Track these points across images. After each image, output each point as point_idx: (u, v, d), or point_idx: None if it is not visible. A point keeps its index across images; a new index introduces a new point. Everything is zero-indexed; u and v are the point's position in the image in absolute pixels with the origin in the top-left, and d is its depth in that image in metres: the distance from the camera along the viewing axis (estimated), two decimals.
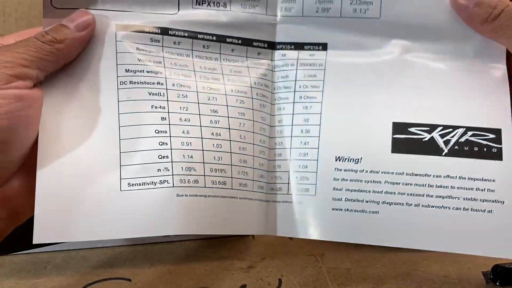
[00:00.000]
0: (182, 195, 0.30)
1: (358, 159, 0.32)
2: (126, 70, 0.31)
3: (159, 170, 0.30)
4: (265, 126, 0.33)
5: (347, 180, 0.32)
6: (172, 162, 0.30)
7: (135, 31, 0.31)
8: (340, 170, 0.32)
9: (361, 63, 0.33)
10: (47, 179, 0.29)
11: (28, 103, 0.27)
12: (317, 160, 0.33)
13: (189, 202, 0.30)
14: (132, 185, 0.30)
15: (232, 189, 0.31)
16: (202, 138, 0.31)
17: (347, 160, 0.32)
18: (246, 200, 0.32)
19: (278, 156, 0.34)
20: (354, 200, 0.32)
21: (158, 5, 0.32)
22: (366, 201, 0.31)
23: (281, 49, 0.34)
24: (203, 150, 0.31)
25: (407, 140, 0.32)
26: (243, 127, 0.32)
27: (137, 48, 0.31)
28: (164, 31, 0.32)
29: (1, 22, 0.40)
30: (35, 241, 0.28)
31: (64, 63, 0.30)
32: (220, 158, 0.31)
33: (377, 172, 0.31)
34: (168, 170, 0.30)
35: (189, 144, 0.31)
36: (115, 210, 0.29)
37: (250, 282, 0.39)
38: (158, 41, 0.32)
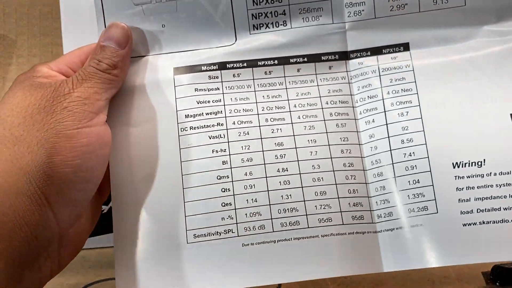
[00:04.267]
0: (248, 244, 0.28)
1: (481, 162, 0.28)
2: (186, 115, 0.30)
3: (222, 218, 0.28)
4: (349, 147, 0.30)
5: (473, 187, 0.28)
6: (235, 209, 0.29)
7: (192, 72, 0.30)
8: (462, 177, 0.28)
9: (453, 59, 0.30)
10: (122, 237, 0.29)
11: (105, 141, 0.27)
12: (430, 171, 0.29)
13: (256, 251, 0.28)
14: (197, 236, 0.28)
15: (308, 227, 0.28)
16: (266, 177, 0.29)
17: (467, 164, 0.28)
18: (331, 238, 0.28)
19: (377, 176, 0.30)
20: (489, 210, 0.28)
21: (215, 39, 0.30)
22: (505, 209, 0.27)
23: (356, 57, 0.31)
24: (268, 190, 0.29)
25: None
26: (315, 155, 0.29)
27: (196, 89, 0.30)
28: (222, 66, 0.30)
29: (1, 22, 0.40)
30: None
31: (120, 86, 0.29)
32: (289, 196, 0.29)
33: (508, 173, 0.28)
34: (232, 218, 0.28)
35: (253, 186, 0.29)
36: (183, 264, 0.28)
37: None
38: (217, 77, 0.30)
